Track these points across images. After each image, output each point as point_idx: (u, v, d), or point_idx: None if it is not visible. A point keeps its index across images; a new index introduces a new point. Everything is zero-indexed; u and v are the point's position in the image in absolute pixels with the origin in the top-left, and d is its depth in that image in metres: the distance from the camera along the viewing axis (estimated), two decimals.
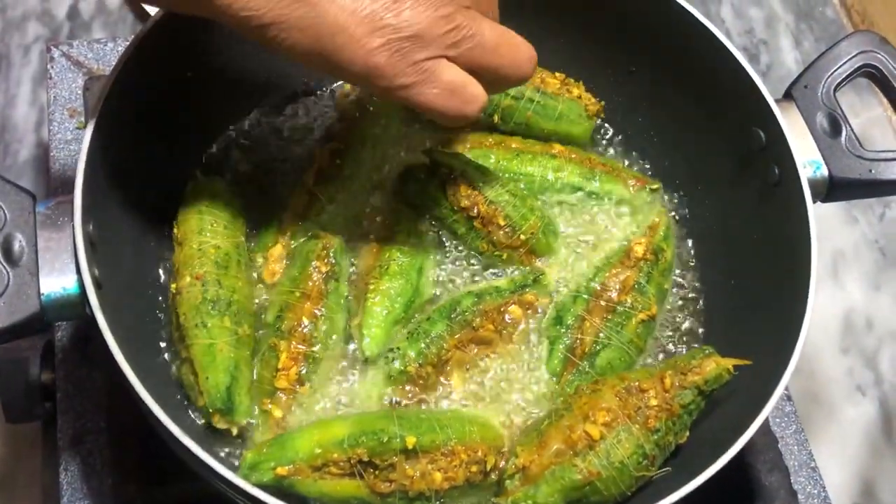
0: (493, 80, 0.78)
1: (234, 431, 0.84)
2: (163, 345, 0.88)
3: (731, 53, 0.91)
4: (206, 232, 0.88)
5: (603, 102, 1.03)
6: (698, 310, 0.97)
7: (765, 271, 0.91)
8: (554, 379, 0.89)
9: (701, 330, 0.96)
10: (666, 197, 1.02)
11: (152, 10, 1.21)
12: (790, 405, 1.06)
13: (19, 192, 0.79)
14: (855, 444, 1.16)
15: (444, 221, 0.93)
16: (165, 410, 0.73)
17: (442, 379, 0.88)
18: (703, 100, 0.97)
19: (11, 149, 1.20)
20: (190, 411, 0.85)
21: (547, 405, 0.88)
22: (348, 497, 0.79)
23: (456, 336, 0.87)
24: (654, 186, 1.01)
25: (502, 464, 0.83)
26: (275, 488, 0.77)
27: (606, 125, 1.06)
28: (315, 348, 0.86)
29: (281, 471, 0.77)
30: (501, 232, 0.91)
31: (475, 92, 0.76)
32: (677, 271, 0.99)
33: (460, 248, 0.94)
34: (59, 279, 0.77)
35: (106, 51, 1.17)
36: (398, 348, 0.87)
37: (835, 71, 0.93)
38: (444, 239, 0.94)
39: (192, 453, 0.72)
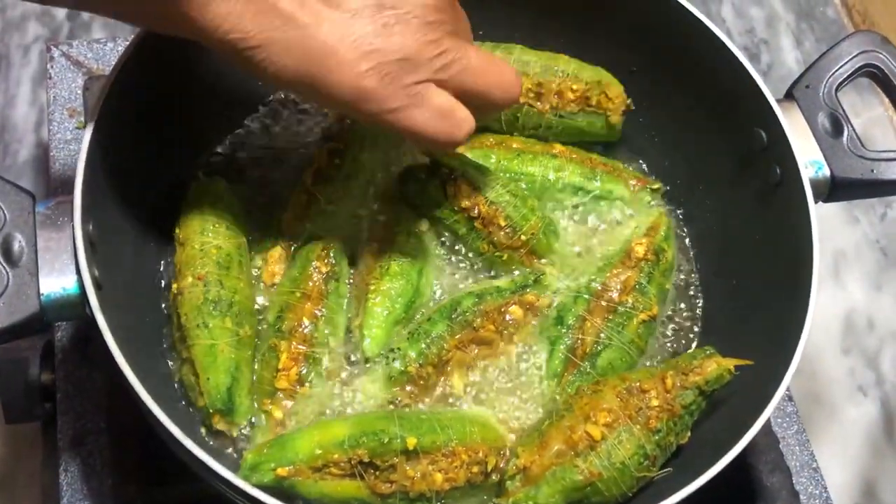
0: (481, 104, 0.78)
1: (234, 433, 0.84)
2: (163, 345, 0.88)
3: (732, 53, 0.91)
4: (208, 232, 0.88)
5: (630, 100, 1.00)
6: (699, 310, 0.97)
7: (766, 272, 0.91)
8: (555, 379, 0.89)
9: (702, 330, 0.96)
10: (667, 197, 1.02)
11: None
12: (792, 405, 1.06)
13: (19, 191, 0.79)
14: (856, 444, 1.16)
15: (444, 222, 0.93)
16: (165, 411, 0.73)
17: (443, 379, 0.87)
18: (704, 100, 0.97)
19: (11, 149, 1.20)
20: (190, 412, 0.84)
21: (548, 406, 0.88)
22: (349, 498, 0.79)
23: (456, 336, 0.87)
24: (655, 186, 1.01)
25: (503, 464, 0.83)
26: (275, 489, 0.76)
27: None
28: (315, 349, 0.85)
29: (281, 472, 0.77)
30: (502, 232, 0.91)
31: (464, 116, 0.76)
32: (678, 271, 0.98)
33: (461, 248, 0.94)
34: (58, 279, 0.77)
35: (106, 51, 1.17)
36: (399, 349, 0.86)
37: (836, 71, 0.93)
38: (444, 239, 0.94)
39: (193, 454, 0.72)
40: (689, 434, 0.84)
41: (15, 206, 0.78)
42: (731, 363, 0.84)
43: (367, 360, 0.87)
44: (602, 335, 0.89)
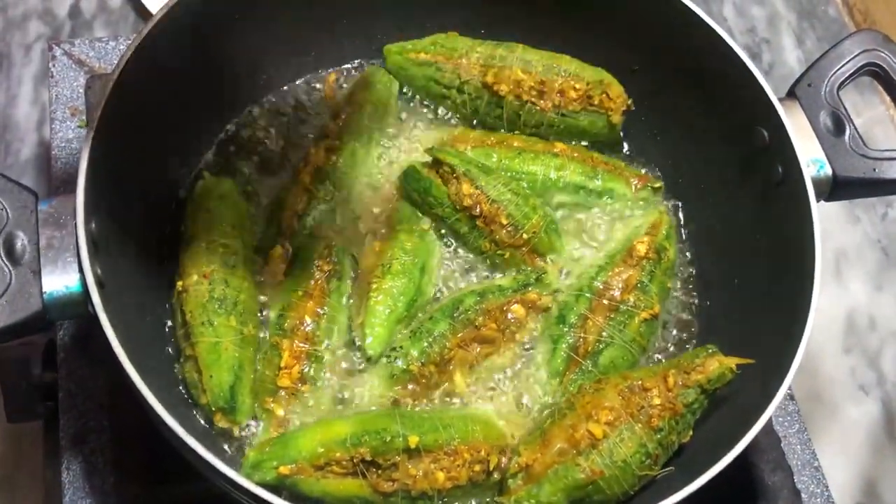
0: None
1: (237, 431, 0.84)
2: (165, 343, 0.88)
3: (734, 52, 0.91)
4: (214, 231, 0.88)
5: (631, 99, 1.00)
6: (701, 309, 0.97)
7: (767, 270, 0.90)
8: (557, 378, 0.89)
9: (703, 329, 0.96)
10: (668, 196, 1.02)
11: (154, 9, 1.21)
12: (793, 404, 1.06)
13: (21, 190, 0.79)
14: (858, 443, 1.15)
15: (446, 220, 0.93)
16: (168, 409, 0.73)
17: (444, 378, 0.87)
18: (705, 99, 0.97)
19: (13, 147, 1.20)
20: (193, 410, 0.84)
21: (550, 404, 0.88)
22: (351, 496, 0.79)
23: (458, 335, 0.87)
24: (657, 185, 1.01)
25: (505, 463, 0.83)
26: (277, 487, 0.76)
27: None
28: (317, 347, 0.86)
29: (283, 470, 0.77)
30: (504, 231, 0.91)
31: None
32: (680, 270, 0.98)
33: (463, 247, 0.94)
34: (61, 278, 0.76)
35: (107, 49, 1.17)
36: (401, 347, 0.86)
37: (838, 69, 0.93)
38: (446, 238, 0.94)
39: (195, 452, 0.72)
40: (690, 433, 0.84)
41: (17, 204, 0.78)
42: (732, 362, 0.84)
43: (369, 359, 0.87)
44: (604, 334, 0.89)
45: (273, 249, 0.92)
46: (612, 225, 0.98)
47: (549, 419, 0.84)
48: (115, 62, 0.84)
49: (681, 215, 1.02)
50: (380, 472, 0.79)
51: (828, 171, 0.90)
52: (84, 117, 1.11)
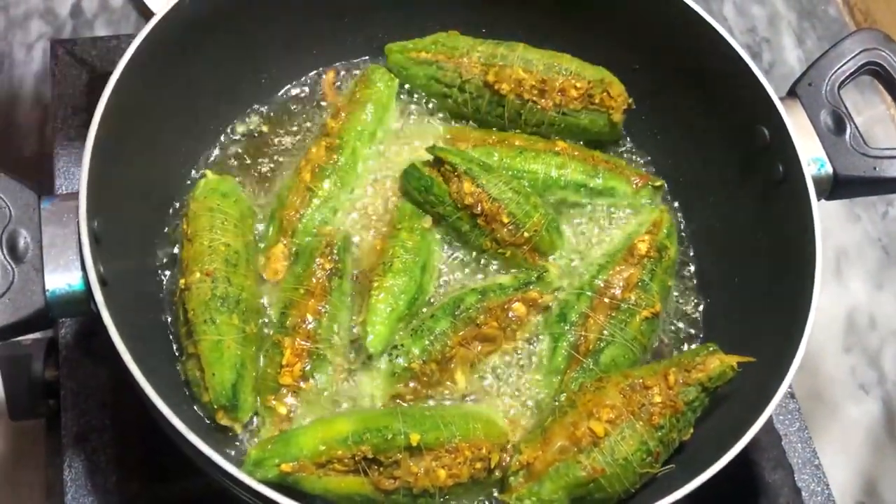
0: None
1: (239, 428, 0.84)
2: (167, 341, 0.88)
3: (734, 51, 0.91)
4: (216, 229, 0.88)
5: (631, 98, 1.01)
6: (702, 307, 0.97)
7: (768, 269, 0.91)
8: (558, 376, 0.89)
9: (704, 327, 0.96)
10: (669, 194, 1.02)
11: (155, 8, 1.21)
12: (794, 403, 1.06)
13: (24, 188, 0.79)
14: (858, 442, 1.16)
15: (447, 219, 0.93)
16: (170, 406, 0.73)
17: (446, 376, 0.87)
18: (706, 98, 0.97)
19: (16, 146, 1.20)
20: (195, 407, 0.85)
21: (551, 402, 0.88)
22: (352, 494, 0.79)
23: (460, 333, 0.87)
24: (658, 184, 1.01)
25: (506, 460, 0.83)
26: (279, 485, 0.77)
27: None
28: (319, 345, 0.86)
29: (285, 467, 0.77)
30: (505, 229, 0.91)
31: None
32: (680, 268, 0.98)
33: (464, 245, 0.94)
34: (63, 276, 0.77)
35: (109, 48, 1.17)
36: (402, 345, 0.87)
37: (839, 68, 0.93)
38: (448, 236, 0.94)
39: (197, 449, 0.72)
40: (691, 430, 0.84)
41: (20, 202, 0.78)
42: (733, 360, 0.84)
43: (370, 357, 0.87)
44: (605, 332, 0.89)
45: (275, 248, 0.92)
46: (613, 223, 0.98)
47: (551, 417, 0.84)
48: (117, 61, 0.84)
49: (681, 214, 1.02)
50: (381, 469, 0.79)
51: (828, 169, 0.90)
52: (86, 116, 1.11)
